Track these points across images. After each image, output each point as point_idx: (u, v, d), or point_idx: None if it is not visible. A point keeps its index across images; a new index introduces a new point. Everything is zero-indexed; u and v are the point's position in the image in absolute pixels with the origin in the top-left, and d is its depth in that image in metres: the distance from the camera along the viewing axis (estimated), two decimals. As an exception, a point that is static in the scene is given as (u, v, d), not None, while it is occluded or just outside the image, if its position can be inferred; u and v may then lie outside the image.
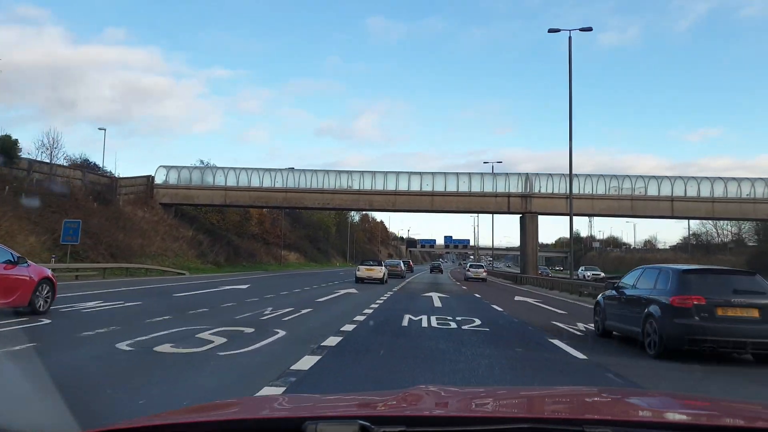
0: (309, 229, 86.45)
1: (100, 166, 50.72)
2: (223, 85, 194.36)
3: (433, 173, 49.05)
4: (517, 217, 50.12)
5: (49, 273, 12.76)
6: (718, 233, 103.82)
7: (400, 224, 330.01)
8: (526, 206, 47.57)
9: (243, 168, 50.06)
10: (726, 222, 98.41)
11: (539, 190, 47.94)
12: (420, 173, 49.17)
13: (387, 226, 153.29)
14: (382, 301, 20.26)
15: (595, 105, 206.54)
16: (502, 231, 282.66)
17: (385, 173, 49.25)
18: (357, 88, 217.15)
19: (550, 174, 48.41)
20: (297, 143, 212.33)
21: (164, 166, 50.30)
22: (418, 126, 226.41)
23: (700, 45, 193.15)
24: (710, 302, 9.02)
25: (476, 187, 48.26)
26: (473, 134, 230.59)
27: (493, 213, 50.05)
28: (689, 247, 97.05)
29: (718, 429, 1.78)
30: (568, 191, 47.89)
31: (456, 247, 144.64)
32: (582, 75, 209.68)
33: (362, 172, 49.37)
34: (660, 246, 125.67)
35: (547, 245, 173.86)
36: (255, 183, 49.37)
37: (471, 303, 22.09)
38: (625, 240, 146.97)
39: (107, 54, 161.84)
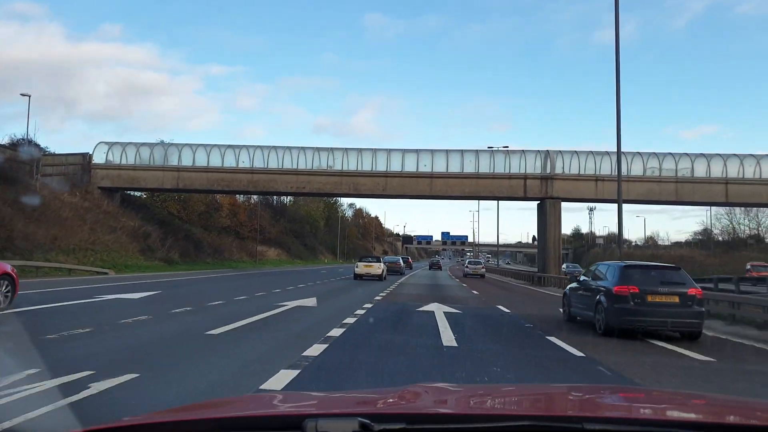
0: (294, 223, 76.40)
1: (38, 144, 40.74)
2: (220, 82, 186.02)
3: (432, 150, 39.04)
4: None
5: (9, 268, 11.72)
6: (734, 228, 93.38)
7: (396, 220, 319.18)
8: (547, 190, 37.62)
9: (200, 144, 40.00)
10: (744, 216, 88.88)
11: (563, 171, 37.99)
12: (416, 150, 39.16)
13: (382, 222, 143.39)
14: (344, 330, 10.43)
15: (592, 102, 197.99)
16: (495, 227, 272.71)
17: (374, 150, 39.25)
18: (354, 85, 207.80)
19: (575, 151, 38.47)
20: (294, 140, 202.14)
21: (105, 143, 40.23)
22: (415, 123, 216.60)
23: (696, 42, 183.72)
24: (642, 291, 10.77)
25: (485, 168, 38.28)
26: (470, 131, 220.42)
27: (505, 199, 40.12)
28: (711, 243, 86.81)
29: (718, 427, 1.70)
30: (596, 171, 38.11)
31: (454, 243, 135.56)
32: (578, 72, 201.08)
33: (346, 150, 39.36)
34: (660, 243, 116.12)
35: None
36: (215, 162, 39.31)
37: (505, 330, 12.15)
38: (626, 237, 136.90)
39: (103, 51, 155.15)
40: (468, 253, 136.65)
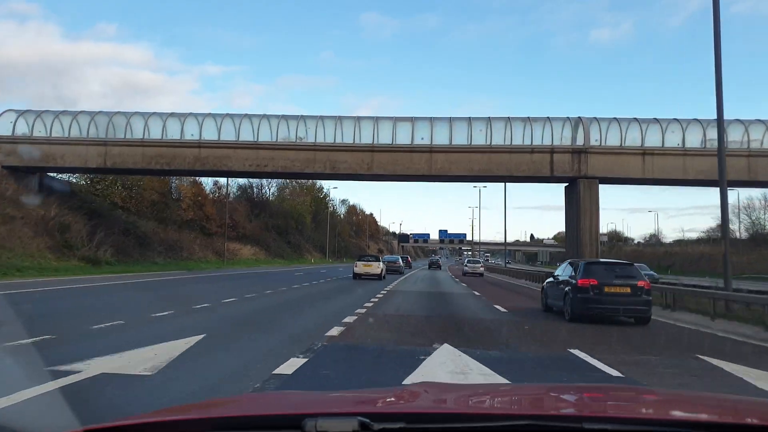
0: (276, 218, 66.82)
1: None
2: (216, 81, 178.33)
3: (430, 118, 29.63)
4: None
5: None
6: (754, 223, 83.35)
7: (392, 217, 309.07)
8: (580, 167, 28.26)
9: (136, 112, 30.50)
10: (764, 210, 79.56)
11: (600, 142, 28.63)
12: (410, 118, 29.74)
13: (377, 219, 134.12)
14: None
15: (587, 101, 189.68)
16: (493, 226, 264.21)
17: (357, 119, 29.84)
18: (351, 84, 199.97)
19: (614, 118, 29.09)
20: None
21: (14, 110, 30.74)
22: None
23: (692, 40, 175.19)
24: (600, 283, 12.31)
25: (499, 139, 28.89)
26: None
27: (526, 180, 30.41)
28: (739, 241, 77.17)
29: (718, 426, 1.66)
30: (643, 143, 28.73)
31: (452, 241, 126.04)
32: (574, 71, 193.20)
33: (321, 118, 29.92)
34: (664, 241, 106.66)
35: (541, 240, 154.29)
36: (154, 134, 29.83)
37: None
38: (626, 235, 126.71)
39: (99, 50, 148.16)
40: (465, 252, 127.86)
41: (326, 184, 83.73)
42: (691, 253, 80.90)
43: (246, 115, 30.02)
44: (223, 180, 49.46)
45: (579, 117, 29.13)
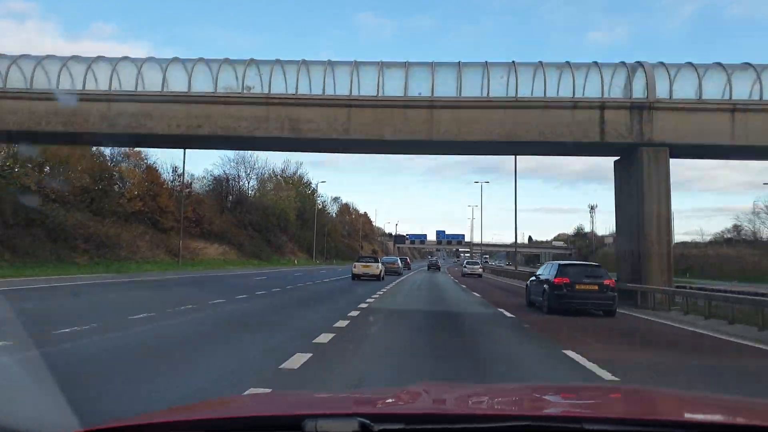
0: (255, 214, 57.88)
1: None
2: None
3: (431, 63, 20.77)
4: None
5: None
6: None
7: (388, 217, 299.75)
8: (642, 129, 19.45)
9: (23, 55, 21.65)
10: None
11: (669, 95, 19.82)
12: (404, 63, 20.90)
13: (372, 219, 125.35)
14: None
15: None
16: (492, 227, 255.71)
17: (329, 63, 20.96)
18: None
19: (689, 62, 20.27)
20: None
21: None
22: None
23: (689, 42, 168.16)
24: (572, 281, 14.03)
25: (526, 90, 20.05)
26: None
27: (563, 151, 20.98)
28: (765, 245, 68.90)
29: (718, 427, 1.65)
30: (730, 95, 19.82)
31: (450, 242, 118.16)
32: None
33: (280, 62, 21.07)
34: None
35: (541, 242, 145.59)
36: (44, 82, 20.92)
37: None
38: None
39: (98, 49, 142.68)
40: (463, 255, 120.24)
41: (314, 178, 75.06)
42: (711, 255, 72.66)
43: (176, 59, 21.18)
44: (181, 160, 40.46)
45: (638, 62, 20.32)
